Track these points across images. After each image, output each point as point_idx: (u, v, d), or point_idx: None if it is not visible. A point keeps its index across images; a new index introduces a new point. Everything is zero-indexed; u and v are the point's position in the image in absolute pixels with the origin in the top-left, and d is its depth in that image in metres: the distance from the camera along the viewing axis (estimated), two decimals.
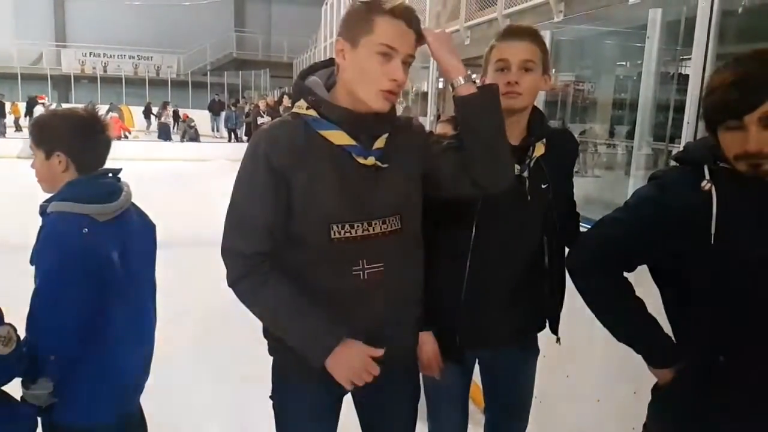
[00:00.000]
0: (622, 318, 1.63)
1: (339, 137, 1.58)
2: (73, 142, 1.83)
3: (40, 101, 21.22)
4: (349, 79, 1.58)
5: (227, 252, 1.62)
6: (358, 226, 1.59)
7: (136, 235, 1.95)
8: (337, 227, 1.58)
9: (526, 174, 1.87)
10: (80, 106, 2.05)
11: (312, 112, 1.60)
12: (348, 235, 1.59)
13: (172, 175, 13.23)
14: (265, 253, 1.60)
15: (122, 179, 1.95)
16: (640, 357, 1.62)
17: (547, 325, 2.08)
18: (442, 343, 1.93)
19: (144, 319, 2.02)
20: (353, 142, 1.59)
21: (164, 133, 22.06)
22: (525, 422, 2.16)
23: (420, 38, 1.58)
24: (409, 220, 1.69)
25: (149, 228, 2.06)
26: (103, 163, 1.91)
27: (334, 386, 1.60)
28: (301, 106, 1.62)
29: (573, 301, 2.07)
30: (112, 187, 1.88)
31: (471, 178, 1.63)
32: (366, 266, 1.62)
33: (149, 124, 24.79)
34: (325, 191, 1.57)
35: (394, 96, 1.57)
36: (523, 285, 1.95)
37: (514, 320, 1.98)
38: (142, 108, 25.26)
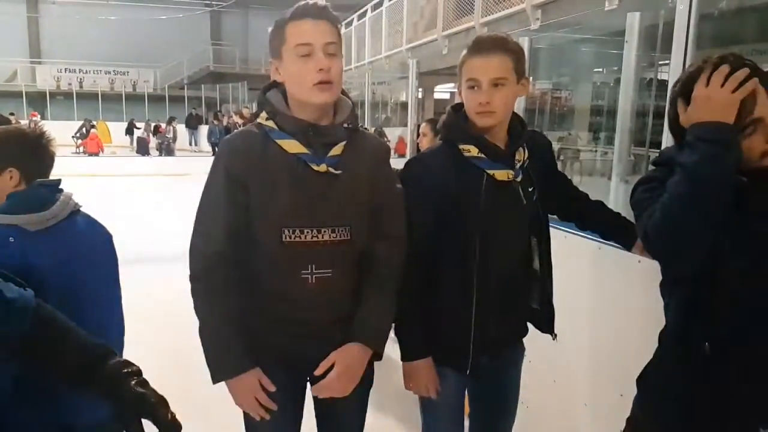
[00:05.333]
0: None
1: (292, 146, 1.69)
2: (25, 158, 1.88)
3: (32, 118, 20.67)
4: (289, 89, 1.73)
5: (190, 249, 1.75)
6: (308, 232, 1.70)
7: (83, 245, 1.94)
8: (288, 231, 1.69)
9: (519, 179, 1.88)
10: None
11: (270, 123, 1.73)
12: (298, 239, 1.69)
13: (148, 189, 13.11)
14: (222, 252, 1.70)
15: (64, 190, 1.95)
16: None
17: (541, 326, 2.08)
18: (452, 360, 1.92)
19: (99, 331, 1.96)
20: (306, 150, 1.69)
21: (142, 148, 21.89)
22: (512, 421, 2.17)
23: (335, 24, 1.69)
24: (359, 233, 1.76)
25: (102, 237, 2.04)
26: (47, 176, 1.95)
27: (297, 373, 1.77)
28: (263, 117, 1.75)
29: (558, 305, 2.07)
30: (44, 197, 1.88)
31: None
32: (314, 271, 1.72)
33: (132, 140, 24.56)
34: (278, 196, 1.68)
35: (329, 85, 1.67)
36: (518, 289, 1.97)
37: (512, 325, 2.02)
38: (118, 123, 25.04)
